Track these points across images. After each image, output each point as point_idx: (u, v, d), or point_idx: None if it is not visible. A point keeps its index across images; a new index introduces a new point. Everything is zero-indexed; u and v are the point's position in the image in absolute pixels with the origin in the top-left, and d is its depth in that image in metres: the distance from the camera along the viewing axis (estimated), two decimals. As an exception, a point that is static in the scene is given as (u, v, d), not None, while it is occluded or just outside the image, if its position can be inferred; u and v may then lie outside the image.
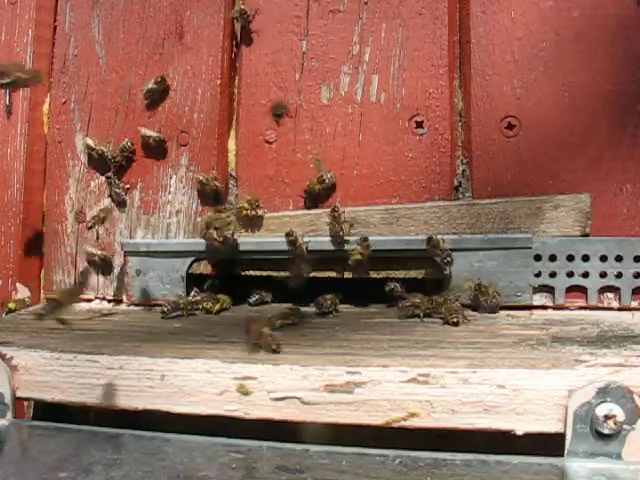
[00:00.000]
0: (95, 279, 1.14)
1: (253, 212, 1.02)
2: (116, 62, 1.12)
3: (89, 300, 1.14)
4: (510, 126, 0.96)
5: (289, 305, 0.96)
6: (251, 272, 1.05)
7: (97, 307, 1.12)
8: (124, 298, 1.09)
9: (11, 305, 1.11)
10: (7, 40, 1.20)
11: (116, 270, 1.12)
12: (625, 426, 0.61)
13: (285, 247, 0.97)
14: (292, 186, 1.05)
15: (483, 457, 0.63)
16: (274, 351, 0.74)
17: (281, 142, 1.06)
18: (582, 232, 0.92)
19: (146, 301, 1.07)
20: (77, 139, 1.15)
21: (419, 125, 1.00)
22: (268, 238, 1.02)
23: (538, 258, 0.91)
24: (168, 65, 1.10)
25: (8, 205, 1.17)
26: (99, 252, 1.10)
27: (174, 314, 0.98)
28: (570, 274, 0.91)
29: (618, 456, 0.61)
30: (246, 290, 1.06)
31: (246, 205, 1.01)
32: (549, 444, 0.64)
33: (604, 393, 0.62)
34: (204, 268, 1.06)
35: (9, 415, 0.78)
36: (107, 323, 0.97)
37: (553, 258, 0.91)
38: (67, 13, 1.18)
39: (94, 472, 0.68)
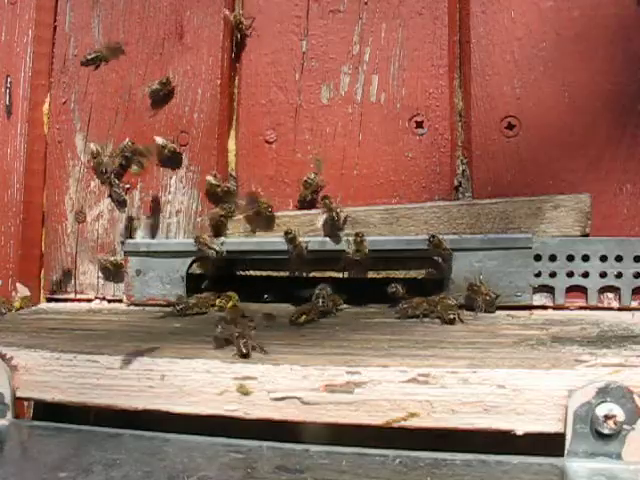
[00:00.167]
0: (95, 279, 1.14)
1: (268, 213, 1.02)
2: (116, 62, 1.12)
3: (89, 300, 1.14)
4: (510, 126, 0.96)
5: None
6: (251, 272, 1.05)
7: (97, 307, 1.12)
8: (124, 298, 1.10)
9: (17, 304, 1.11)
10: (7, 40, 1.20)
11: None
12: (625, 426, 0.61)
13: (284, 247, 0.97)
14: (292, 186, 1.05)
15: (483, 457, 0.63)
16: (244, 355, 0.73)
17: (281, 142, 1.06)
18: (582, 232, 0.92)
19: (146, 301, 1.07)
20: (77, 139, 1.15)
21: (419, 125, 1.00)
22: (268, 238, 1.02)
23: (538, 258, 0.92)
24: (168, 65, 1.11)
25: (8, 205, 1.17)
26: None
27: (186, 312, 0.98)
28: (570, 274, 0.91)
29: (618, 456, 0.61)
30: (246, 289, 1.06)
31: (264, 205, 1.02)
32: (549, 444, 0.64)
33: (604, 393, 0.62)
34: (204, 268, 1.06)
35: (9, 415, 0.78)
36: (107, 323, 0.97)
37: (553, 258, 0.91)
38: (67, 13, 1.18)
39: (94, 472, 0.68)
